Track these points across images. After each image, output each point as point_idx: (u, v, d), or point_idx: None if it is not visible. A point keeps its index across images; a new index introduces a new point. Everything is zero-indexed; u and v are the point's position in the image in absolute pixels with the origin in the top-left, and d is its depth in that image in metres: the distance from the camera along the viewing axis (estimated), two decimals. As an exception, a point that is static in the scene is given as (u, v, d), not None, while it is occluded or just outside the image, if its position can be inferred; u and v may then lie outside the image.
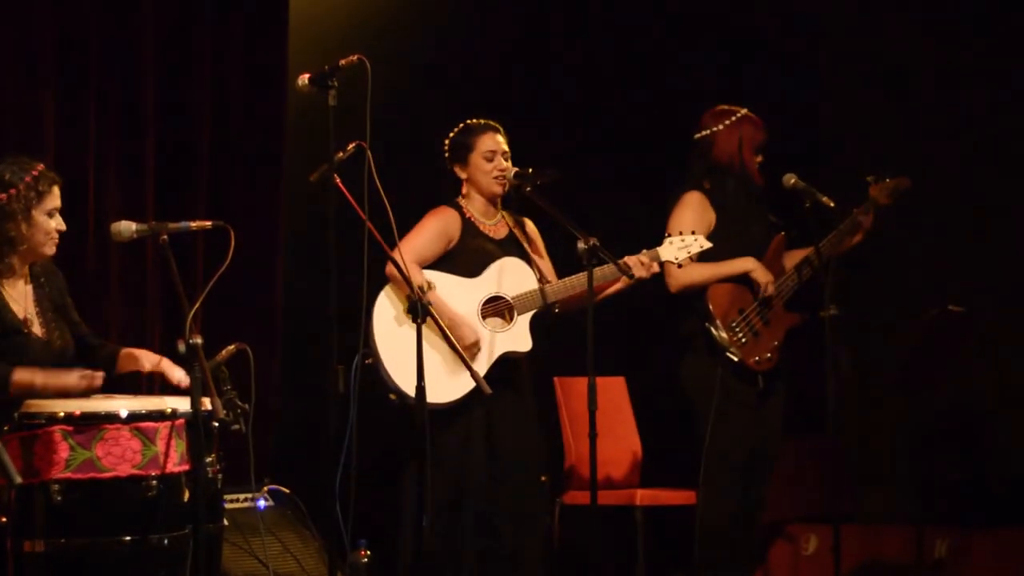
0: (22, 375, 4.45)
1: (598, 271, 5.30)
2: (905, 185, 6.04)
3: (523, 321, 5.47)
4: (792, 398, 6.01)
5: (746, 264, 5.85)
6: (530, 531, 5.47)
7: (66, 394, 4.45)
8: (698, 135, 5.98)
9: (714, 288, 5.82)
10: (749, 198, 5.93)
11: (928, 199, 6.94)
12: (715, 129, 5.94)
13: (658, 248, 5.52)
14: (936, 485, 6.66)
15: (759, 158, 5.94)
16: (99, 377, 4.54)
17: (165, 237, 4.53)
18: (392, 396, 5.28)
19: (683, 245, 5.53)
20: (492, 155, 5.52)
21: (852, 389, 6.57)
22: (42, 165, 4.64)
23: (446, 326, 5.22)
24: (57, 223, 4.64)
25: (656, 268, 5.48)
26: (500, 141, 5.54)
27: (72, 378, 4.50)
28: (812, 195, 5.72)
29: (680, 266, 5.58)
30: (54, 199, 4.63)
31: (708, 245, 5.57)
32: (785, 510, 6.54)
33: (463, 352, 5.06)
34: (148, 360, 4.75)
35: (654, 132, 6.96)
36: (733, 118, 5.93)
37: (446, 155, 5.60)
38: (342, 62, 4.82)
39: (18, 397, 4.40)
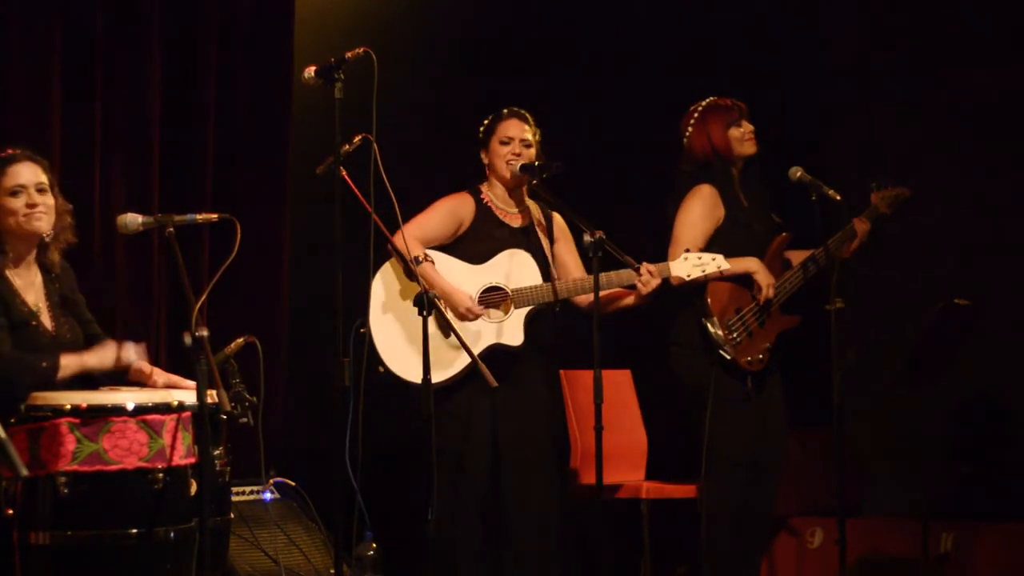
0: (70, 361, 4.50)
1: (605, 277, 5.30)
2: (905, 195, 6.04)
3: (519, 315, 5.46)
4: (797, 392, 6.00)
5: (750, 265, 5.84)
6: (540, 528, 5.46)
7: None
8: (683, 142, 5.98)
9: (714, 285, 5.80)
10: (741, 188, 5.91)
11: (933, 192, 6.94)
12: (687, 134, 5.94)
13: (669, 263, 5.52)
14: (942, 479, 6.66)
15: (743, 129, 5.90)
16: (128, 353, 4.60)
17: (171, 229, 4.53)
18: (380, 368, 5.31)
19: (699, 263, 5.52)
20: (509, 140, 5.54)
21: (858, 382, 6.57)
22: (9, 150, 4.64)
23: (441, 295, 5.26)
24: (26, 199, 4.59)
25: (657, 283, 5.45)
26: (524, 129, 5.56)
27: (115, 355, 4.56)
28: (819, 188, 5.72)
29: (687, 282, 5.58)
30: (14, 177, 4.60)
31: (727, 267, 5.56)
32: (790, 503, 6.54)
33: (452, 333, 5.11)
34: (160, 379, 4.77)
35: (655, 130, 6.94)
36: (695, 115, 5.92)
37: (479, 141, 5.66)
38: (348, 55, 4.83)
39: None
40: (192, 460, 4.43)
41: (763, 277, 5.83)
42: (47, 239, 4.68)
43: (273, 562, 5.51)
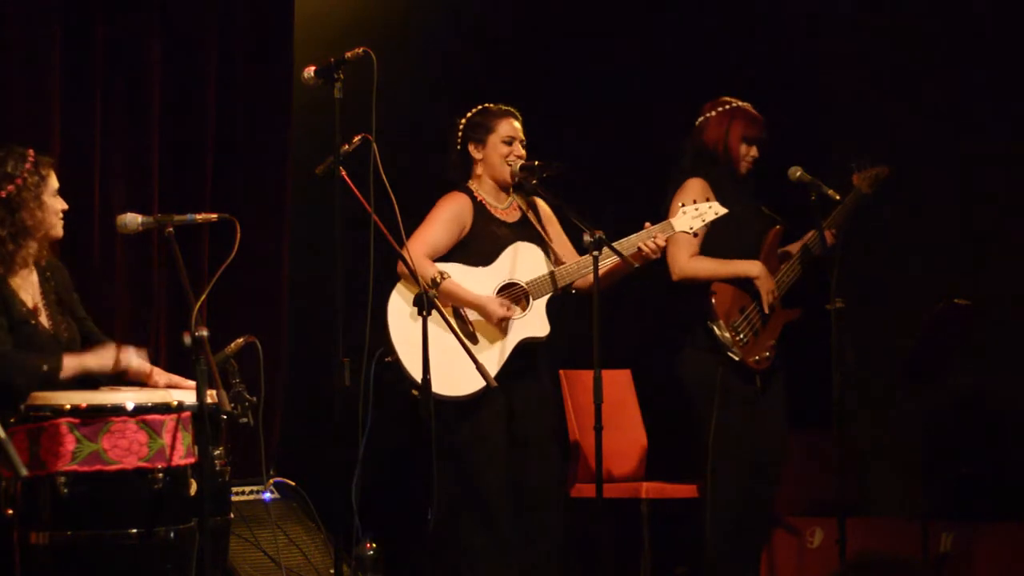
0: (72, 362, 4.50)
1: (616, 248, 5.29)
2: (885, 173, 6.05)
3: (539, 306, 5.45)
4: (797, 391, 6.01)
5: (752, 269, 5.85)
6: (549, 521, 5.45)
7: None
8: (696, 122, 5.99)
9: (718, 286, 5.81)
10: (739, 186, 5.93)
11: (932, 191, 6.94)
12: (708, 116, 5.96)
13: (671, 219, 5.50)
14: (941, 479, 6.65)
15: (753, 151, 5.93)
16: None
17: (171, 229, 4.52)
18: (414, 392, 5.26)
19: (697, 213, 5.50)
20: (511, 140, 5.52)
21: (857, 382, 6.57)
22: (31, 150, 4.65)
23: (471, 308, 5.24)
24: (61, 203, 4.66)
25: (663, 243, 5.43)
26: (518, 128, 5.55)
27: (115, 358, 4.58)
28: (818, 188, 5.73)
29: (695, 235, 5.56)
30: (54, 179, 4.66)
31: (723, 211, 5.53)
32: (790, 503, 6.54)
33: (479, 338, 5.15)
34: (161, 379, 4.77)
35: (654, 126, 6.95)
36: (726, 107, 5.94)
37: (460, 134, 5.59)
38: (348, 54, 4.83)
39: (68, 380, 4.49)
40: (192, 460, 4.42)
41: (764, 283, 5.84)
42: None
43: (273, 562, 5.51)
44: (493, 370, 5.13)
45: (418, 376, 5.13)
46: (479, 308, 5.36)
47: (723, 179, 5.88)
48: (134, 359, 4.61)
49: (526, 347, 5.42)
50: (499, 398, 5.29)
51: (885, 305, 7.06)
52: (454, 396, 5.22)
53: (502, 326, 5.36)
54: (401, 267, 5.26)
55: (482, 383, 5.11)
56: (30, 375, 4.42)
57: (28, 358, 4.47)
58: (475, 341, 5.32)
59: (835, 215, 5.90)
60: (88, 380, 4.67)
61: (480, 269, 5.44)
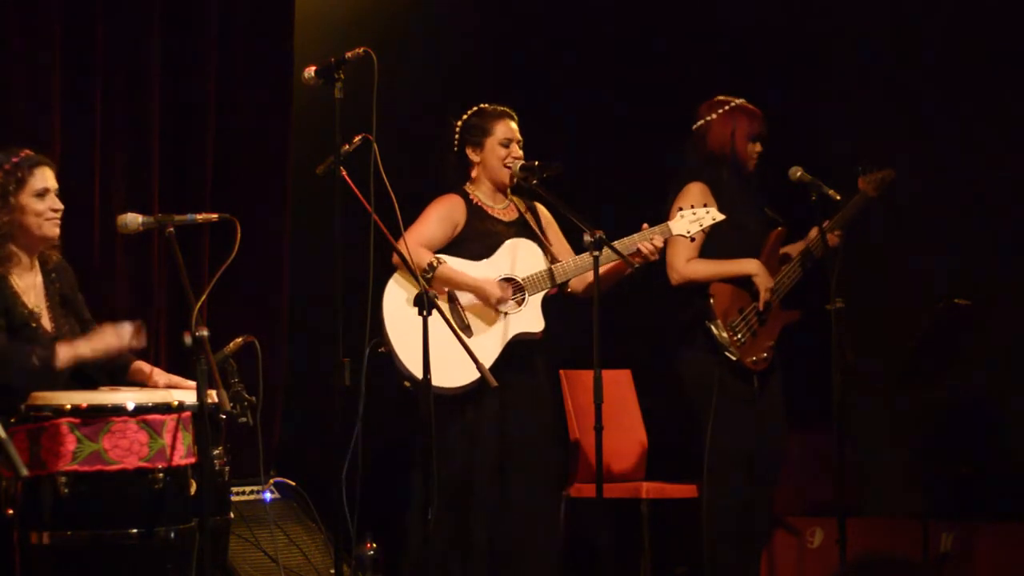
0: (65, 351, 4.50)
1: (608, 251, 5.28)
2: (891, 177, 6.04)
3: (535, 301, 5.44)
4: (797, 391, 6.00)
5: (750, 267, 5.85)
6: (542, 518, 5.45)
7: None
8: (695, 125, 5.98)
9: (717, 286, 5.81)
10: (744, 188, 5.93)
11: (932, 191, 6.94)
12: (709, 119, 5.95)
13: (668, 223, 5.50)
14: (942, 479, 6.65)
15: (757, 147, 5.93)
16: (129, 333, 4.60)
17: (171, 229, 4.52)
18: (406, 383, 5.27)
19: (695, 218, 5.50)
20: (508, 142, 5.52)
21: (857, 382, 6.57)
22: (27, 151, 4.65)
23: (468, 291, 5.23)
24: (51, 203, 4.63)
25: (660, 244, 5.43)
26: (515, 129, 5.54)
27: (111, 338, 4.57)
28: (818, 188, 5.72)
29: (692, 239, 5.56)
30: (42, 180, 4.63)
31: (721, 217, 5.54)
32: (790, 503, 6.54)
33: (473, 330, 5.16)
34: (161, 379, 4.77)
35: (654, 125, 6.95)
36: (727, 107, 5.94)
37: (456, 137, 5.59)
38: (348, 55, 4.83)
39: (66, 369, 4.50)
40: (192, 460, 4.43)
41: (762, 280, 5.83)
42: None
43: (273, 562, 5.51)
44: (486, 365, 5.12)
45: (411, 367, 5.19)
46: (476, 290, 5.35)
47: (727, 182, 5.88)
48: (127, 336, 4.59)
49: (521, 343, 5.41)
50: (492, 394, 5.28)
51: (885, 305, 7.06)
52: (446, 388, 5.21)
53: (500, 309, 5.36)
54: (396, 258, 5.24)
55: (474, 375, 5.10)
56: (19, 368, 4.41)
57: (17, 351, 4.46)
58: (469, 333, 5.32)
59: (839, 217, 5.89)
60: (88, 380, 4.67)
61: (477, 263, 5.44)
